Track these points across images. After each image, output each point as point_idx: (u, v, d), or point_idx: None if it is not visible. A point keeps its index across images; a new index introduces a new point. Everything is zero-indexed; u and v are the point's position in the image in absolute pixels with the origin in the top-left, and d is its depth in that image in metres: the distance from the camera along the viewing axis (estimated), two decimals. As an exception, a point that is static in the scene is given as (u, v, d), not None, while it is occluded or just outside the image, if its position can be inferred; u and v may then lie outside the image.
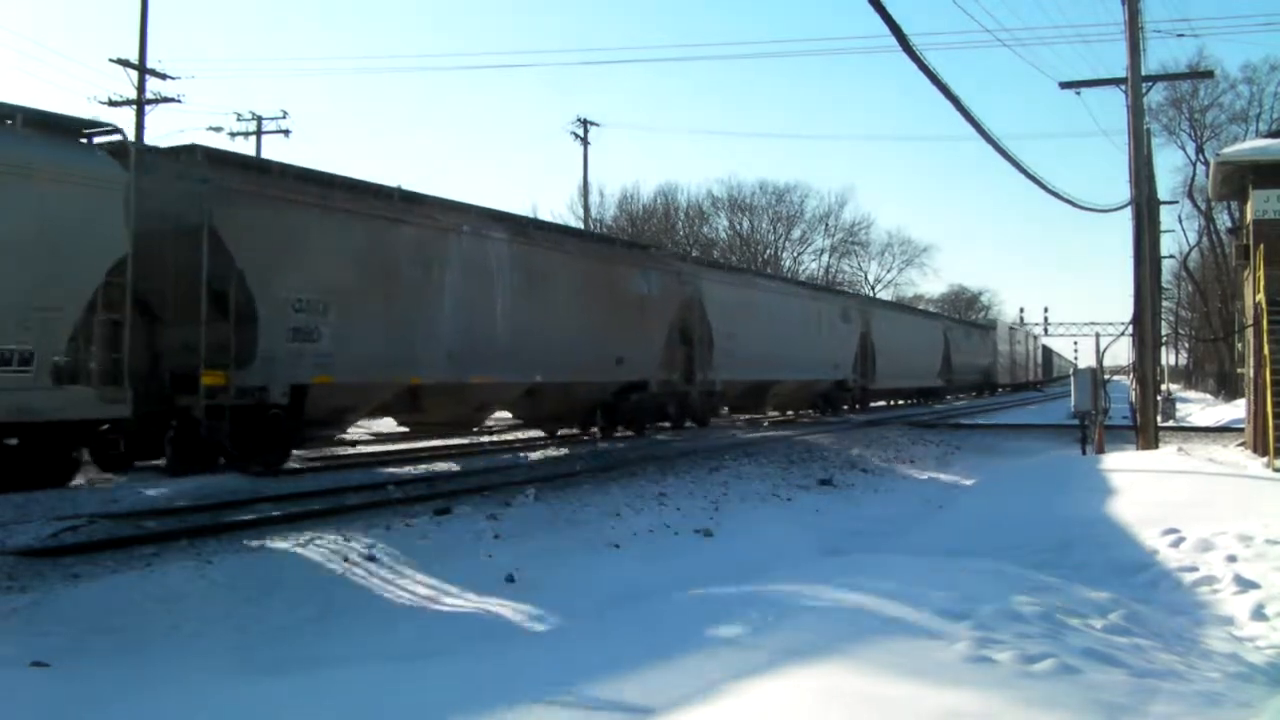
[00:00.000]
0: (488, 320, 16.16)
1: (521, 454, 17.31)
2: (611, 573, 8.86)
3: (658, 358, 21.30)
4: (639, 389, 20.77)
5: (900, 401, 43.52)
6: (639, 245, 23.53)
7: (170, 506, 10.11)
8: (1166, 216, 41.13)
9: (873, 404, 37.89)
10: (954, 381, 47.99)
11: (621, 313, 20.00)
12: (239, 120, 37.42)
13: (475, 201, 17.75)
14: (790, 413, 31.81)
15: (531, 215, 25.12)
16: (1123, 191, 22.35)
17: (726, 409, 28.48)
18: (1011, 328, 69.59)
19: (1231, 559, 7.67)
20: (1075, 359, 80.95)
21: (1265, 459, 15.33)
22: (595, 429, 20.91)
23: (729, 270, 29.69)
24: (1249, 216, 17.73)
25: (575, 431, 21.10)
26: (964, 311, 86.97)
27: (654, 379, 21.10)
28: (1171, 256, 52.28)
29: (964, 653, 4.70)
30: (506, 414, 21.47)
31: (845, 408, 33.59)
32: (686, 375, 22.55)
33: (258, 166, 14.58)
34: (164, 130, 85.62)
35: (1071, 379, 19.73)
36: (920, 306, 72.75)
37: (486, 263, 16.30)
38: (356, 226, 14.05)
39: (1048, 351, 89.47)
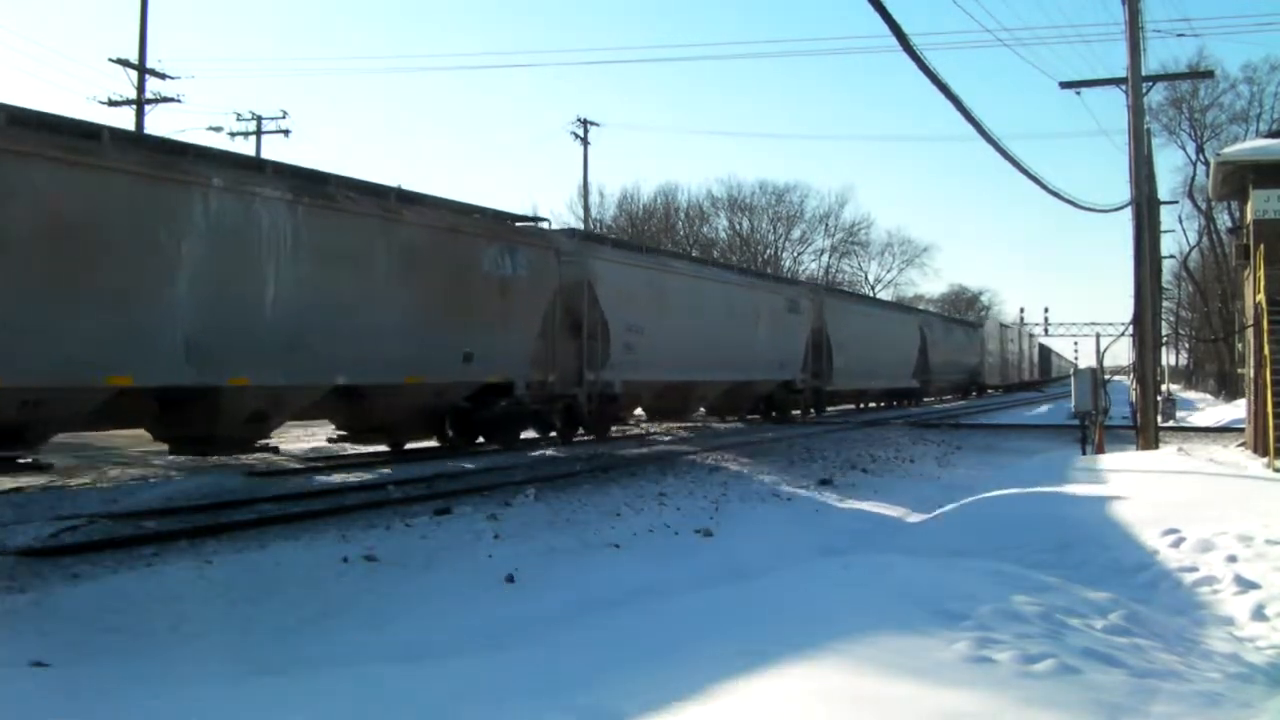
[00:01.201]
0: (255, 304, 12.33)
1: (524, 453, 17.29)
2: (611, 573, 8.86)
3: (526, 354, 17.20)
4: (503, 392, 16.87)
5: (868, 405, 39.54)
6: (505, 215, 18.05)
7: (170, 506, 10.11)
8: (1166, 216, 41.18)
9: (832, 408, 33.90)
10: (932, 382, 44.32)
11: (472, 298, 15.87)
12: (239, 120, 37.48)
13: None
14: (733, 419, 27.98)
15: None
16: (1123, 191, 22.39)
17: (642, 414, 25.10)
18: (1003, 325, 66.55)
19: (1232, 559, 7.66)
20: (1075, 359, 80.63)
21: (1265, 459, 15.32)
22: (450, 442, 17.14)
23: (631, 250, 23.97)
24: (1249, 216, 17.73)
25: (431, 445, 17.41)
26: (964, 311, 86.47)
27: (522, 380, 17.08)
28: (1171, 256, 52.35)
29: (964, 653, 4.70)
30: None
31: (796, 412, 29.74)
32: (575, 376, 18.65)
33: None
34: (164, 130, 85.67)
35: (1071, 379, 19.74)
36: (909, 301, 71.15)
37: (254, 228, 12.37)
38: (34, 173, 10.10)
39: (1046, 351, 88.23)
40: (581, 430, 19.98)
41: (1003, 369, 60.06)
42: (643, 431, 24.08)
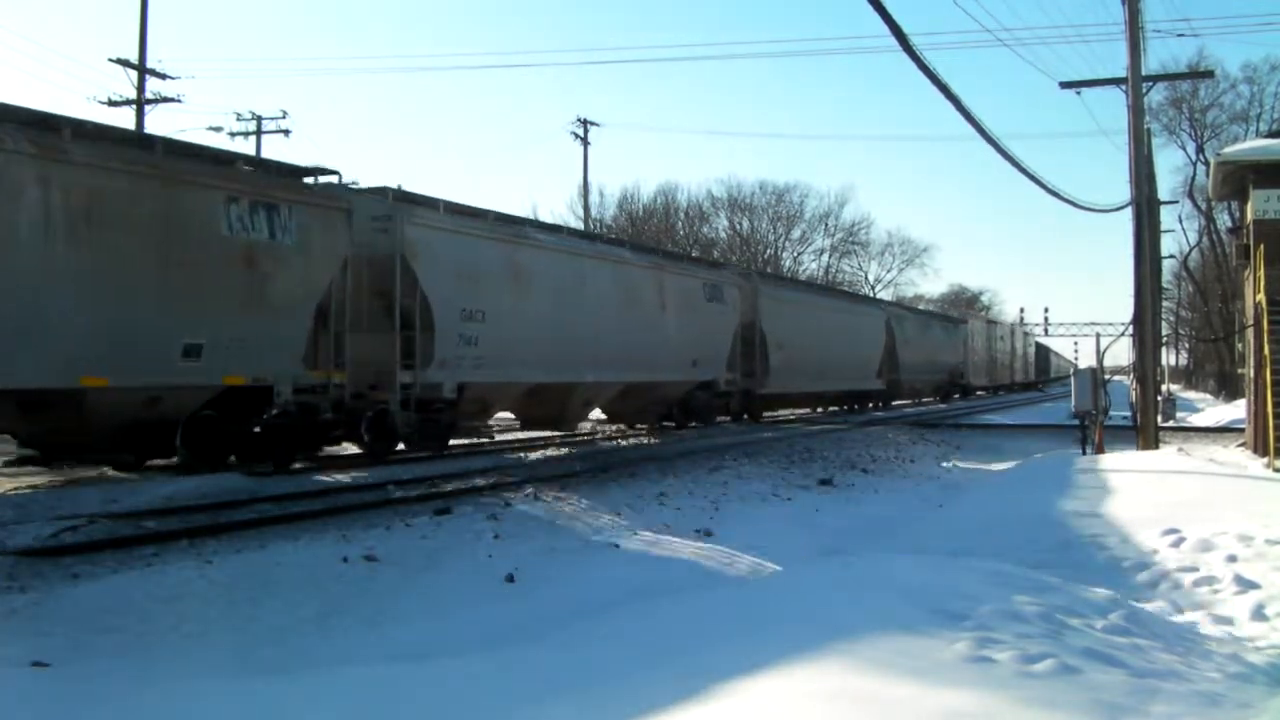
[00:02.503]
0: None
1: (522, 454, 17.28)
2: (611, 572, 8.86)
3: (295, 346, 13.26)
4: (265, 397, 13.04)
5: (826, 409, 34.47)
6: (275, 165, 14.44)
7: (170, 506, 10.11)
8: (1166, 216, 41.10)
9: (771, 413, 29.52)
10: (904, 383, 39.61)
11: (202, 272, 11.97)
12: (239, 120, 37.44)
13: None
14: (642, 427, 23.19)
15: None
16: (1123, 191, 22.36)
17: (514, 421, 20.56)
18: (991, 322, 62.63)
19: (1232, 559, 7.67)
20: (1075, 359, 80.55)
21: (1265, 459, 15.33)
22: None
23: (472, 216, 17.27)
24: (1249, 216, 17.73)
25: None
26: (964, 311, 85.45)
27: (287, 381, 13.11)
28: (1171, 256, 52.36)
29: (964, 653, 4.70)
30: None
31: (725, 419, 25.54)
32: (385, 377, 14.72)
33: None
34: (164, 130, 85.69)
35: (1071, 379, 19.74)
36: (909, 301, 68.28)
37: None
38: None
39: (1044, 350, 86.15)
40: (404, 446, 15.40)
41: (990, 369, 56.19)
42: (498, 446, 18.73)
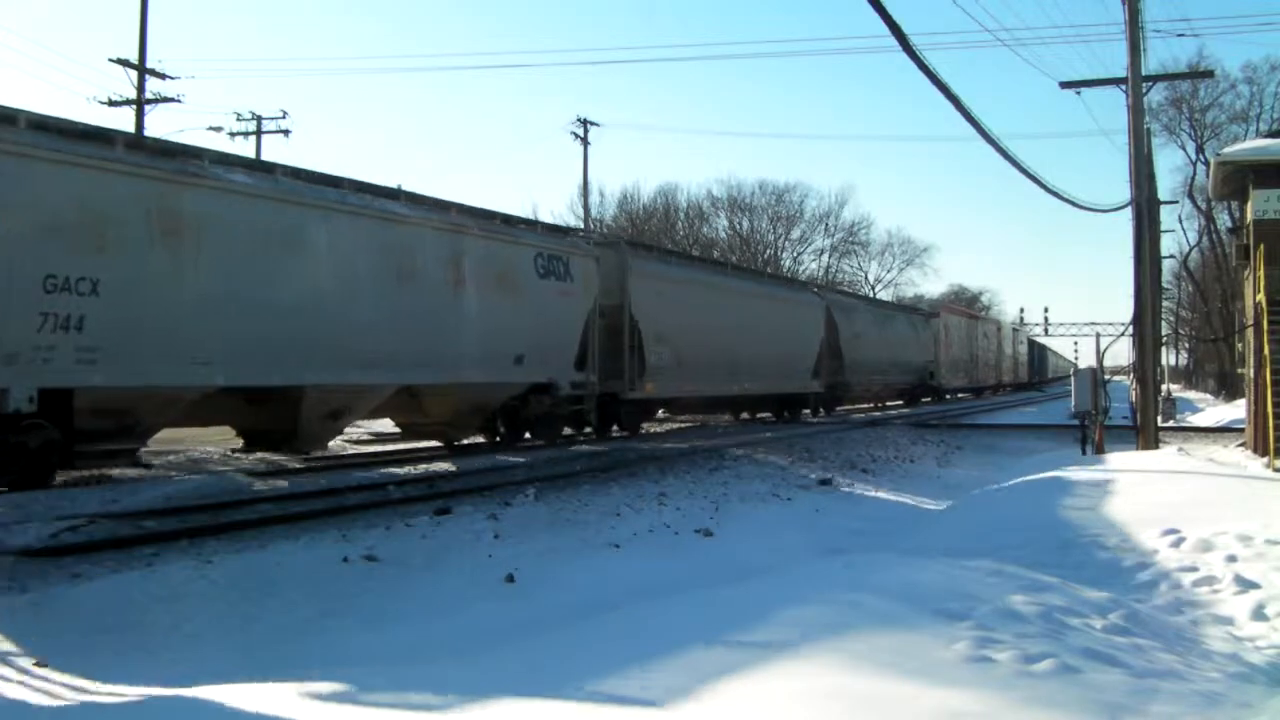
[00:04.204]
0: None
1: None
2: (611, 573, 8.87)
3: None
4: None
5: (739, 417, 29.48)
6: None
7: (170, 506, 10.11)
8: (1166, 216, 41.07)
9: (654, 424, 25.34)
10: (852, 385, 34.06)
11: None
12: (239, 120, 37.44)
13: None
14: (438, 444, 17.72)
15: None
16: (1123, 191, 22.39)
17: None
18: (973, 317, 56.86)
19: (1231, 559, 7.67)
20: (1075, 359, 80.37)
21: (1265, 459, 15.33)
22: None
23: (77, 137, 10.81)
24: (1249, 216, 17.73)
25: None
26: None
27: None
28: (1171, 256, 52.38)
29: (964, 653, 4.70)
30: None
31: (586, 431, 20.20)
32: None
33: None
34: (164, 130, 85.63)
35: (1071, 379, 19.75)
36: (910, 301, 63.50)
37: None
38: None
39: (1040, 349, 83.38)
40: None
41: (970, 369, 50.66)
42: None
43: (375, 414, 16.66)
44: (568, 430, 19.87)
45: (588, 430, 20.19)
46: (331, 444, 16.95)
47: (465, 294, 15.95)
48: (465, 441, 18.07)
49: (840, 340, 32.44)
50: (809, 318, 30.43)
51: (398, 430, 17.93)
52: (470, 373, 16.02)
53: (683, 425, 26.84)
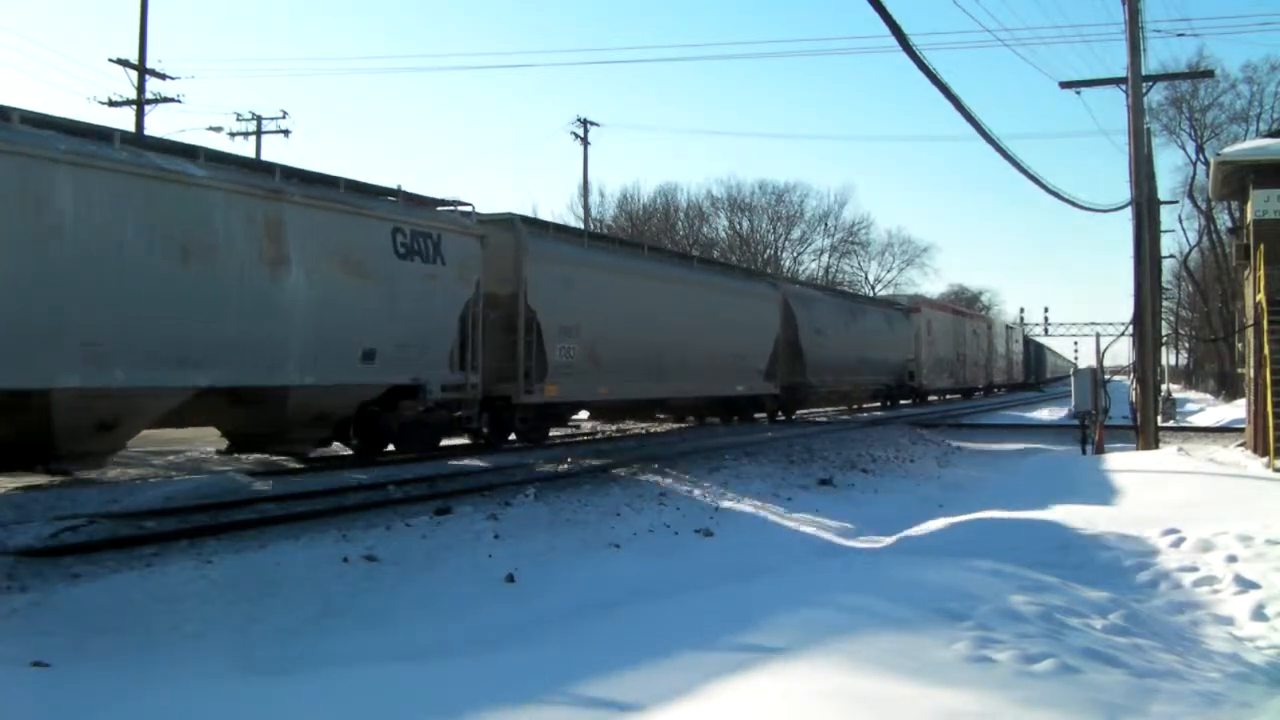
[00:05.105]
0: None
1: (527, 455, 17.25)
2: (612, 572, 8.87)
3: None
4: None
5: (686, 420, 26.30)
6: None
7: (170, 506, 10.11)
8: (1166, 216, 41.07)
9: (565, 431, 21.95)
10: (814, 386, 30.13)
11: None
12: (239, 120, 37.45)
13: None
14: (253, 458, 14.81)
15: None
16: (1123, 191, 22.39)
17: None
18: (960, 313, 53.13)
19: (1232, 559, 7.68)
20: (1075, 359, 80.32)
21: (1265, 459, 15.34)
22: None
23: None
24: (1249, 216, 17.74)
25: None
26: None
27: None
28: (1171, 256, 52.40)
29: (964, 653, 4.70)
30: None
31: (464, 441, 17.39)
32: None
33: None
34: (164, 130, 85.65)
35: (1071, 379, 19.76)
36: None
37: None
38: None
39: (1037, 349, 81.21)
40: None
41: (955, 369, 47.15)
42: None
43: (183, 422, 13.25)
44: (460, 440, 17.34)
45: (453, 442, 17.17)
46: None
47: (288, 276, 12.91)
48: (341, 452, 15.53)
49: (800, 336, 28.96)
50: (762, 311, 26.86)
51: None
52: (297, 372, 13.08)
53: (622, 433, 23.37)
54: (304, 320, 13.15)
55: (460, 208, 16.54)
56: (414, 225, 15.08)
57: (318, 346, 13.36)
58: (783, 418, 28.89)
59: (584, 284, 18.96)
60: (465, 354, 15.91)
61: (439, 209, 16.24)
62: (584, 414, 24.02)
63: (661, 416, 26.55)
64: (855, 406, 36.65)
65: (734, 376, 25.21)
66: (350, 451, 15.60)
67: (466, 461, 15.32)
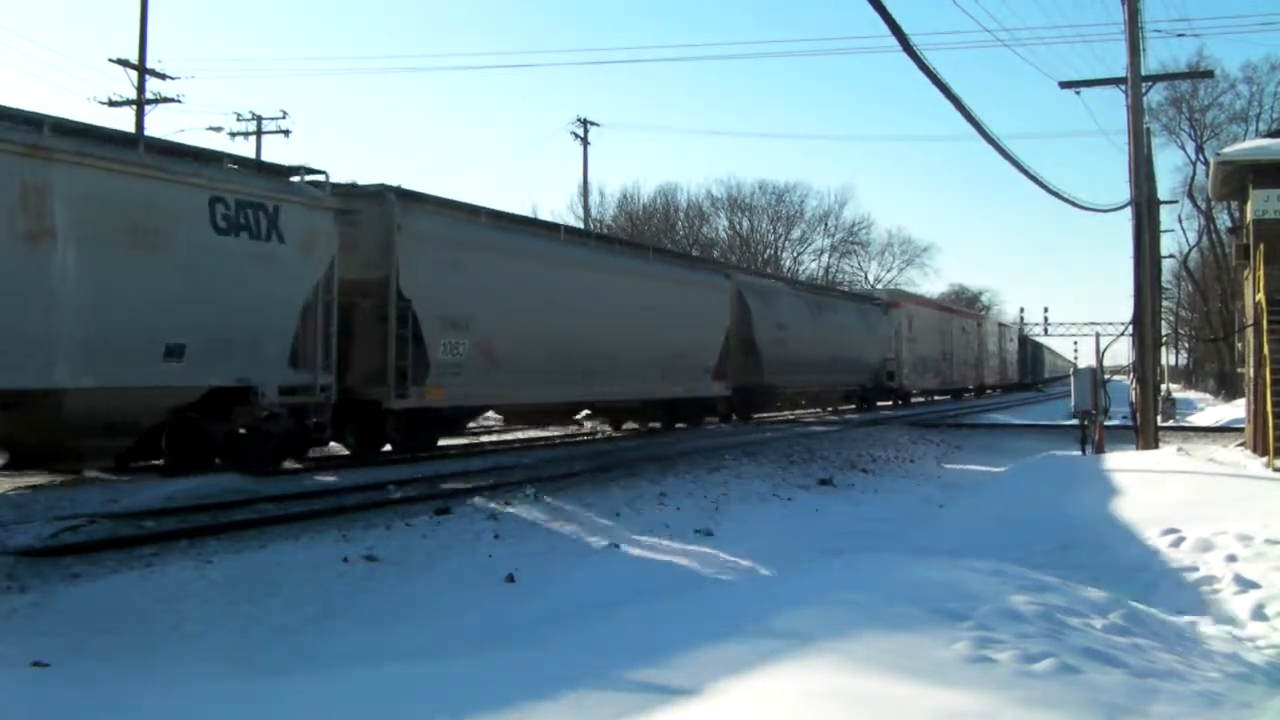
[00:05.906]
0: None
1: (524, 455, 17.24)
2: (611, 572, 8.86)
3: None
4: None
5: (623, 427, 23.36)
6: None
7: (170, 506, 10.11)
8: (1166, 216, 40.99)
9: (455, 439, 18.59)
10: (773, 387, 27.87)
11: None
12: (239, 120, 37.42)
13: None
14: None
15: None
16: (1123, 191, 22.38)
17: None
18: (947, 309, 50.31)
19: (1231, 559, 7.67)
20: (1075, 359, 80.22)
21: (1265, 459, 15.34)
22: None
23: None
24: (1249, 216, 17.73)
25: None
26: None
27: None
28: (1171, 256, 52.37)
29: (964, 653, 4.70)
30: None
31: (320, 456, 15.16)
32: None
33: None
34: (164, 130, 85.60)
35: (1071, 379, 19.75)
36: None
37: None
38: None
39: (1034, 348, 79.70)
40: None
41: (941, 368, 44.44)
42: None
43: None
44: (319, 451, 14.97)
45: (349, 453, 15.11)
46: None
47: (53, 251, 10.33)
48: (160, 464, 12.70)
49: (756, 332, 25.98)
50: (709, 303, 23.81)
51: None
52: (69, 372, 10.55)
53: (544, 440, 20.64)
54: (76, 308, 10.50)
55: (310, 176, 13.77)
56: (240, 194, 12.27)
57: (99, 340, 10.72)
58: (736, 419, 26.51)
59: (478, 269, 16.09)
60: (311, 351, 13.26)
61: (281, 179, 13.58)
62: (498, 417, 21.57)
63: (593, 421, 24.00)
64: (828, 409, 34.06)
65: (674, 376, 22.27)
66: (348, 452, 15.38)
67: (317, 480, 12.72)
